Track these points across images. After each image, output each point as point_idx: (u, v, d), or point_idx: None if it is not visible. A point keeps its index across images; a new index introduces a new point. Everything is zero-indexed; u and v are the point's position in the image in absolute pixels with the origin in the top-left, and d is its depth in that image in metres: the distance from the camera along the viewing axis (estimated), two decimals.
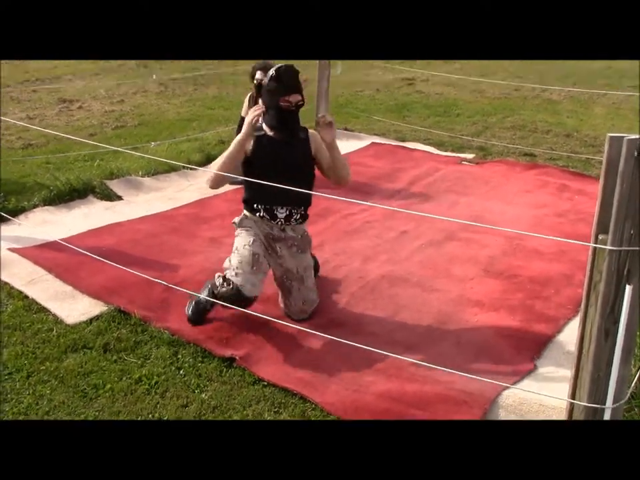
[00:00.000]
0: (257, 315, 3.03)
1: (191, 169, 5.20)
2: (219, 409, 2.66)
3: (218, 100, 9.11)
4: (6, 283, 3.60)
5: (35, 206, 4.73)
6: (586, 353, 2.08)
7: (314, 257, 3.76)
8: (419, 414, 2.60)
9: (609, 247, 1.94)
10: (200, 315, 3.20)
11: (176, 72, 11.26)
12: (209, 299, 3.18)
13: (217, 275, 3.18)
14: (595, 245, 2.00)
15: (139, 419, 2.60)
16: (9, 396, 2.70)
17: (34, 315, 3.31)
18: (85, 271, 3.73)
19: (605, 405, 2.04)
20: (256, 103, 4.88)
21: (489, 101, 9.29)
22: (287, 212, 3.23)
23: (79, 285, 3.58)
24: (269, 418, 2.61)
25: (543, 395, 2.51)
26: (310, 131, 3.35)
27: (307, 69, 10.73)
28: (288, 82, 3.16)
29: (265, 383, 2.81)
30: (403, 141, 7.03)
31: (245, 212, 3.32)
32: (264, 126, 3.27)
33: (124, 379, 2.84)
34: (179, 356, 3.00)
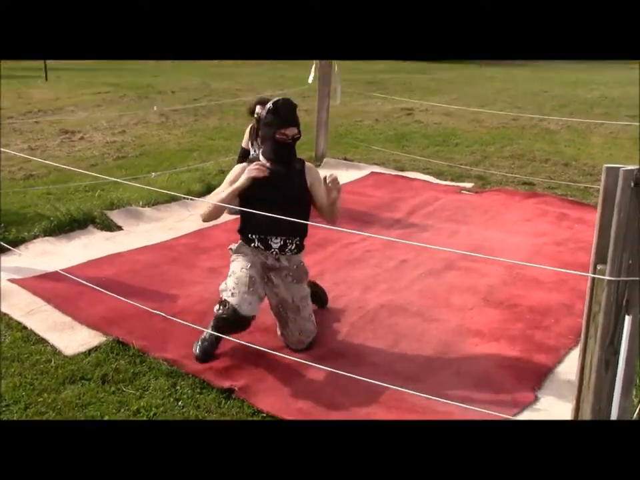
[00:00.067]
0: (255, 347, 3.02)
1: (191, 199, 5.22)
2: None
3: (218, 131, 9.19)
4: (5, 314, 3.59)
5: (35, 236, 4.74)
6: (586, 385, 2.07)
7: (322, 289, 3.76)
8: None
9: (607, 277, 1.94)
10: (207, 352, 3.19)
11: (177, 103, 11.37)
12: (212, 332, 3.18)
13: (215, 308, 3.19)
14: (593, 275, 2.00)
15: None
16: None
17: (32, 346, 3.30)
18: (84, 301, 3.73)
19: None
20: (257, 135, 4.93)
21: (488, 130, 9.36)
22: (281, 242, 3.24)
23: (78, 315, 3.57)
24: None
25: None
26: (306, 163, 3.38)
27: (307, 100, 10.86)
28: (285, 115, 3.21)
29: (264, 415, 2.79)
30: (402, 170, 7.07)
31: (241, 241, 3.35)
32: (260, 157, 3.32)
33: (122, 410, 2.81)
34: (178, 387, 2.98)
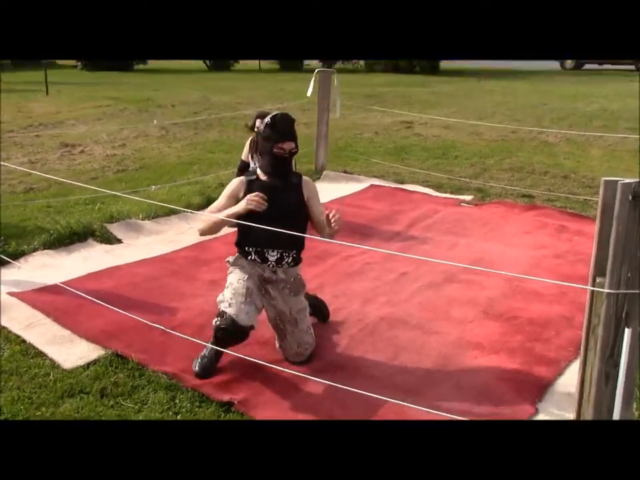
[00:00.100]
0: (254, 360, 3.01)
1: (190, 212, 5.23)
2: None
3: (219, 144, 9.22)
4: (4, 327, 3.58)
5: (35, 249, 4.74)
6: (587, 398, 2.07)
7: (323, 302, 3.76)
8: None
9: (606, 290, 1.94)
10: (206, 369, 3.18)
11: (177, 117, 11.42)
12: (212, 349, 3.18)
13: (214, 320, 3.19)
14: (592, 288, 2.00)
15: None
16: None
17: (31, 360, 3.29)
18: (84, 314, 3.72)
19: None
20: (257, 148, 4.95)
21: (487, 143, 9.39)
22: (278, 255, 3.25)
23: (77, 328, 3.57)
24: None
25: None
26: (304, 177, 3.40)
27: (307, 113, 10.89)
28: (283, 129, 3.23)
29: None
30: (402, 183, 7.09)
31: (239, 253, 3.36)
32: (258, 170, 3.34)
33: None
34: (177, 401, 2.97)
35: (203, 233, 3.36)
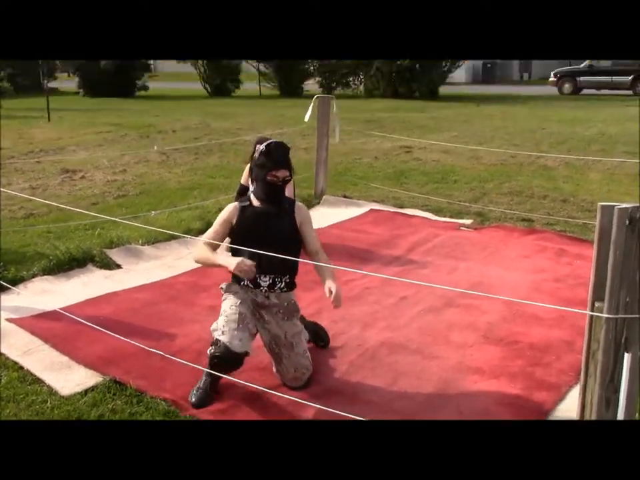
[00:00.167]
0: (253, 386, 2.99)
1: (190, 238, 5.24)
2: None
3: (219, 169, 9.26)
4: (1, 354, 3.57)
5: (34, 275, 4.74)
6: None
7: (323, 329, 3.75)
8: None
9: (605, 315, 1.93)
10: (202, 400, 3.15)
11: (178, 142, 11.49)
12: (207, 378, 3.18)
13: (209, 349, 3.20)
14: (591, 313, 1.99)
15: None
16: None
17: (28, 386, 3.27)
18: (82, 340, 3.71)
19: None
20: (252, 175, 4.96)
21: (486, 167, 9.43)
22: (270, 280, 3.26)
23: (75, 355, 3.55)
24: None
25: None
26: (297, 203, 3.42)
27: (307, 139, 10.94)
28: (277, 157, 3.26)
29: None
30: (402, 207, 7.10)
31: (232, 279, 3.37)
32: (251, 196, 3.37)
33: None
34: None
35: (197, 262, 3.40)
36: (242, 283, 3.29)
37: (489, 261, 5.32)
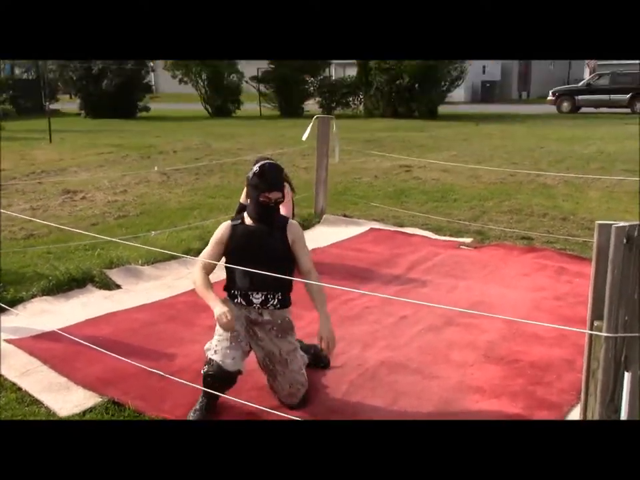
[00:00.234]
0: (252, 405, 2.98)
1: (190, 258, 5.24)
2: None
3: (219, 189, 9.29)
4: (0, 375, 3.55)
5: (34, 296, 4.73)
6: None
7: (324, 353, 3.73)
8: None
9: (604, 334, 1.93)
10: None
11: (179, 162, 11.53)
12: (203, 403, 3.17)
13: (202, 369, 3.21)
14: (590, 332, 1.99)
15: None
16: None
17: (26, 408, 3.25)
18: (81, 361, 3.70)
19: None
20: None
21: (485, 186, 9.45)
22: (263, 297, 3.27)
23: (73, 375, 3.54)
24: None
25: None
26: (290, 221, 3.45)
27: (307, 158, 10.96)
28: (270, 180, 3.29)
29: None
30: (401, 226, 7.11)
31: (227, 297, 3.39)
32: (245, 214, 3.40)
33: None
34: None
35: (194, 285, 3.38)
36: (235, 301, 3.31)
37: (489, 279, 5.31)
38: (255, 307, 3.29)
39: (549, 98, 25.80)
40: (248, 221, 3.36)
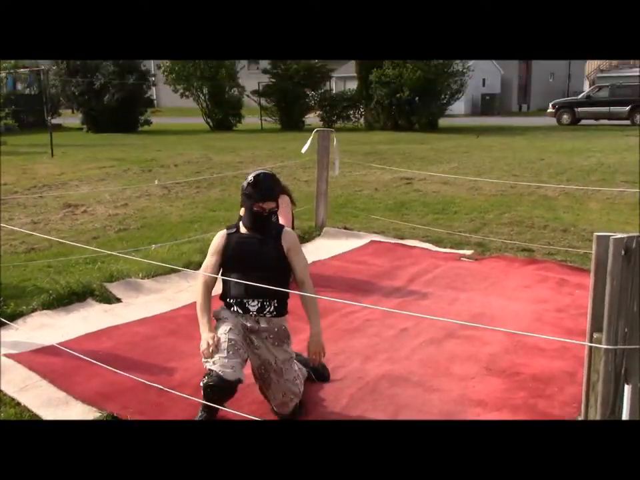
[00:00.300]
0: (252, 418, 2.96)
1: (191, 271, 5.23)
2: None
3: (220, 202, 9.30)
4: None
5: (34, 310, 4.72)
6: None
7: (322, 364, 3.72)
8: None
9: (604, 346, 1.92)
10: None
11: (180, 176, 11.56)
12: (203, 403, 3.15)
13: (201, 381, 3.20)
14: (589, 344, 1.98)
15: None
16: None
17: None
18: (80, 375, 3.69)
19: None
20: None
21: (486, 198, 9.46)
22: (259, 305, 3.28)
23: (73, 390, 3.52)
24: None
25: None
26: (285, 228, 3.47)
27: (308, 171, 10.99)
28: (264, 190, 3.32)
29: None
30: (402, 238, 7.10)
31: (224, 306, 3.40)
32: (240, 223, 3.43)
33: None
34: None
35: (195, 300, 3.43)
36: (232, 309, 3.32)
37: (490, 291, 5.30)
38: (251, 314, 3.29)
39: (548, 110, 25.90)
40: (243, 230, 3.40)
